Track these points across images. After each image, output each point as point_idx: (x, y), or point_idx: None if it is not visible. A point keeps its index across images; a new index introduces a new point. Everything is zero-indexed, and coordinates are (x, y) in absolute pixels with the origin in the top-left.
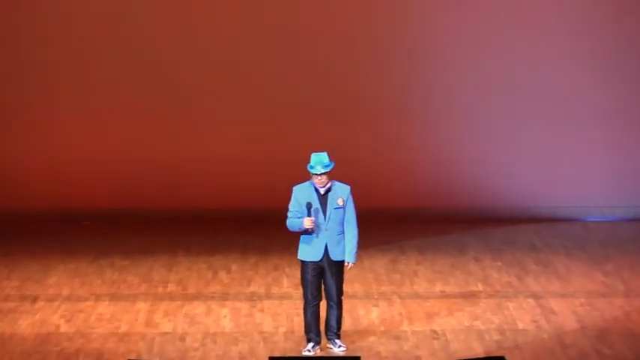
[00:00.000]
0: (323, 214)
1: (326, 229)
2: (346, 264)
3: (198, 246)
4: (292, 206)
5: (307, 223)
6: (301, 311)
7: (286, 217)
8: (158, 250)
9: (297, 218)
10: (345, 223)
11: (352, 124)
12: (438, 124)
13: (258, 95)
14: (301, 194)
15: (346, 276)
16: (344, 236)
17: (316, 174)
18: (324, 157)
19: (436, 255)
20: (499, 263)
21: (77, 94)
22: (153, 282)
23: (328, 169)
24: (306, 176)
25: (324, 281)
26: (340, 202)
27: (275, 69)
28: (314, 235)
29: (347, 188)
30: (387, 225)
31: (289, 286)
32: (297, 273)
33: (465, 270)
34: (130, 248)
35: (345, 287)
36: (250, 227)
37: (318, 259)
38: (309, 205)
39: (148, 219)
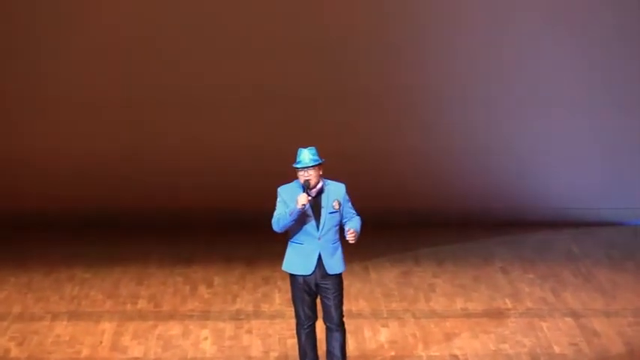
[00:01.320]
0: (315, 220)
1: (319, 239)
2: (351, 231)
3: (174, 255)
4: (279, 208)
5: (302, 199)
6: (295, 332)
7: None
8: (126, 260)
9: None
10: (344, 223)
11: (356, 114)
12: (459, 112)
13: (248, 82)
14: (288, 195)
15: (348, 291)
16: (340, 245)
17: (303, 167)
18: (312, 150)
19: (457, 266)
20: (531, 275)
21: (24, 84)
22: (120, 298)
23: (317, 163)
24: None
25: (320, 300)
26: (336, 206)
27: (265, 51)
28: (304, 244)
29: (342, 187)
30: (399, 230)
31: (282, 302)
32: (290, 287)
33: (490, 283)
34: (92, 258)
35: (348, 304)
36: (235, 233)
37: (308, 272)
38: (307, 184)
39: (115, 223)
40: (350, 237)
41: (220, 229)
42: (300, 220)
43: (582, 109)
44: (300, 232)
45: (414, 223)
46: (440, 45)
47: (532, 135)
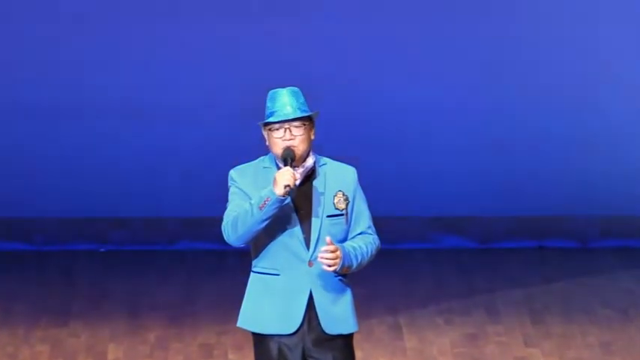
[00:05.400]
0: (302, 230)
1: (309, 264)
2: (328, 243)
3: (36, 306)
4: (235, 201)
5: (287, 175)
6: None
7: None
8: None
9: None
10: (349, 234)
11: (400, 71)
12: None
13: None
14: (250, 180)
15: None
16: (346, 282)
17: (282, 121)
18: (295, 92)
19: (567, 322)
20: None
21: None
22: None
23: (307, 114)
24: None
25: None
26: (341, 204)
27: None
28: (282, 275)
29: (350, 171)
30: (458, 257)
31: None
32: None
33: (633, 353)
34: None
35: None
36: (151, 262)
37: (289, 330)
38: (290, 155)
39: None
40: (324, 255)
41: (124, 258)
42: (274, 227)
43: None
44: (275, 253)
45: (484, 243)
46: None
47: None
